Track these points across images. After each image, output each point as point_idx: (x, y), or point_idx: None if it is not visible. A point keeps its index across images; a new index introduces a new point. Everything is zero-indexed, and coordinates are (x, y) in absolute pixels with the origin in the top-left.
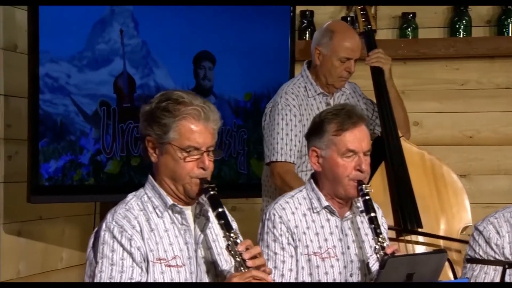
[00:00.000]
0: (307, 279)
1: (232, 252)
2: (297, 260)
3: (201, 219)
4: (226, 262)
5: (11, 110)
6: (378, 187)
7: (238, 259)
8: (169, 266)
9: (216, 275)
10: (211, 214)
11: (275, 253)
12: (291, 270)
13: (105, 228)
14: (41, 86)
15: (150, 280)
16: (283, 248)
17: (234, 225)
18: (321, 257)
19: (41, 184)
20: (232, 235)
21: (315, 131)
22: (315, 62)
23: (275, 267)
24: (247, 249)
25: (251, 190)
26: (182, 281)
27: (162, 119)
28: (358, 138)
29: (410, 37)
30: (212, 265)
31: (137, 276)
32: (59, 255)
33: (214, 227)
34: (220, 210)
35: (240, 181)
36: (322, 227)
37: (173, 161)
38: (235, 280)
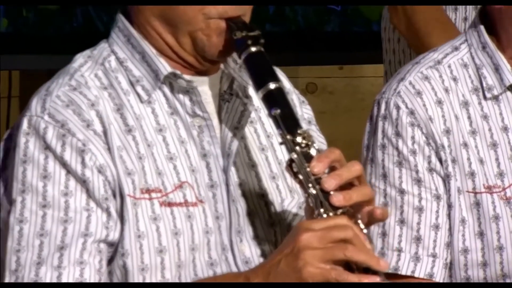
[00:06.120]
0: (474, 246)
1: (301, 177)
2: (450, 206)
3: (234, 103)
4: (293, 194)
5: None
6: None
7: (313, 191)
8: (170, 204)
9: (271, 224)
10: (255, 95)
11: (402, 191)
12: (436, 227)
13: (27, 128)
14: None
15: (130, 236)
16: (418, 181)
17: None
18: (504, 197)
19: None
20: (299, 140)
21: None
22: None
23: (401, 221)
24: (332, 169)
25: (350, 48)
26: (200, 236)
27: None
28: None
29: None
30: (261, 200)
31: (100, 229)
32: None
33: (265, 121)
34: (272, 86)
35: (328, 28)
36: (506, 130)
37: None
38: (307, 237)
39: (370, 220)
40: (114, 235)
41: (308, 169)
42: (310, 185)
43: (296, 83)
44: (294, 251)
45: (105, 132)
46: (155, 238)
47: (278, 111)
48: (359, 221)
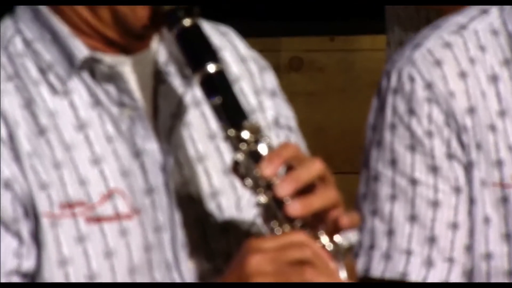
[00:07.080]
0: (499, 250)
1: (249, 182)
2: (471, 201)
3: (171, 84)
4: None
5: None
6: None
7: (263, 200)
8: (98, 220)
9: (225, 230)
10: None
11: (413, 181)
12: (454, 225)
13: None
14: None
15: (50, 263)
16: (434, 169)
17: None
18: None
19: None
20: (245, 135)
21: None
22: None
23: (412, 217)
24: (288, 169)
25: (343, 15)
26: (139, 254)
27: None
28: None
29: None
30: (211, 202)
31: (10, 259)
32: None
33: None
34: (210, 69)
35: None
36: None
37: None
38: (256, 260)
39: (336, 230)
40: (28, 264)
41: (255, 173)
42: (259, 192)
43: (278, 58)
44: (242, 278)
45: (10, 137)
46: (82, 262)
47: (219, 99)
48: (322, 234)
